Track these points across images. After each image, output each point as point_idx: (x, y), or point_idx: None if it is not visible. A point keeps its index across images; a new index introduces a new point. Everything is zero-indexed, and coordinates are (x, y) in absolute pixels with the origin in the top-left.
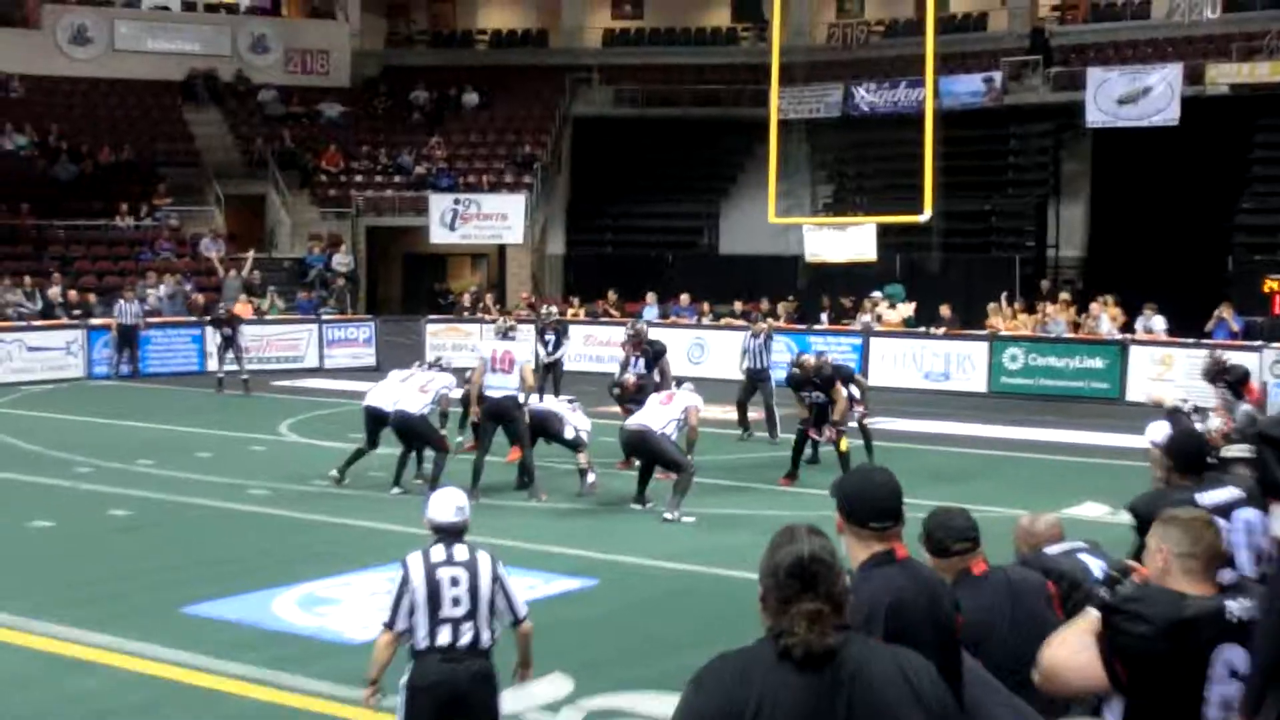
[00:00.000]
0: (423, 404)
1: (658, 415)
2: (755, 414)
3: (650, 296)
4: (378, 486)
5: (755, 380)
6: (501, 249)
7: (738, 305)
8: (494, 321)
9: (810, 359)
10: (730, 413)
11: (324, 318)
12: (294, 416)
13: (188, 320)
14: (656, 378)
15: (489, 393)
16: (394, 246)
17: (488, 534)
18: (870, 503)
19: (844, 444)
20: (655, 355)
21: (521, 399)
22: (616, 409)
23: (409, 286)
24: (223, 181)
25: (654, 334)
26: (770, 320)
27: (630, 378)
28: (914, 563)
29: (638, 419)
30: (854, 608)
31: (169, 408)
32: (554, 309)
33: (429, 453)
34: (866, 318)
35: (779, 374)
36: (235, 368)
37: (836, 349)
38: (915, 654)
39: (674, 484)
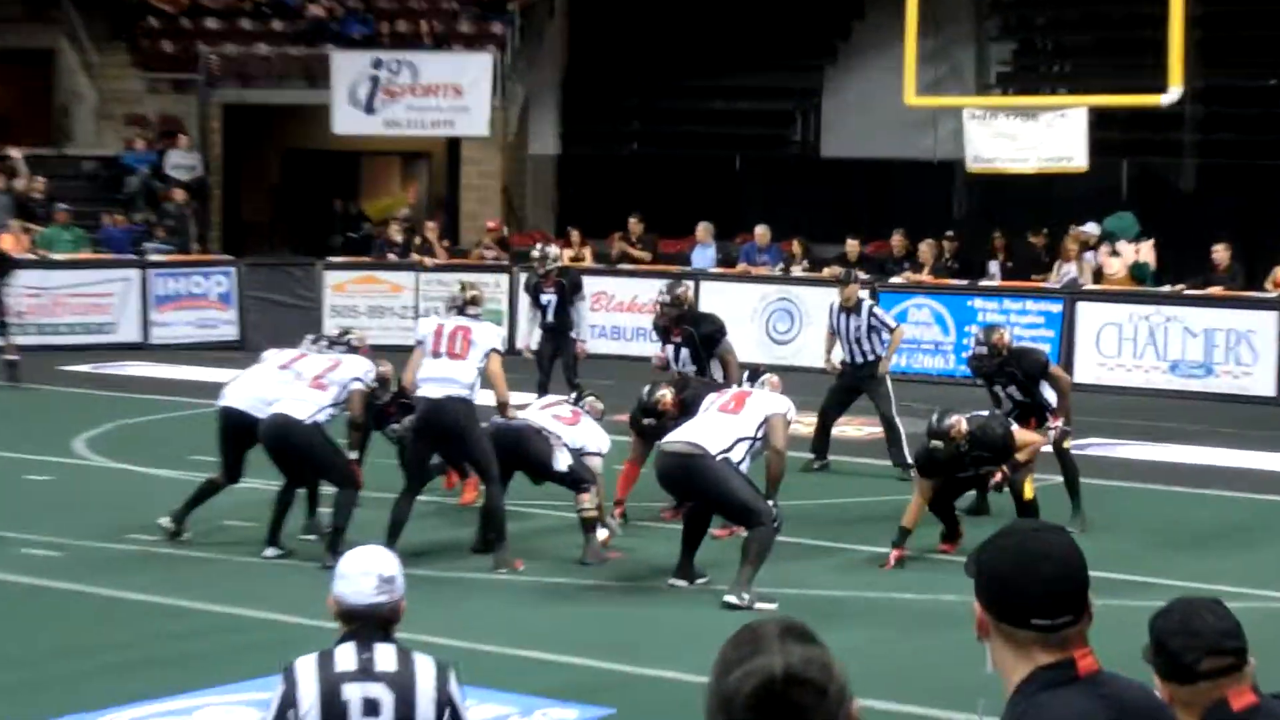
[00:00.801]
0: (318, 406)
1: (719, 429)
2: (852, 428)
3: (703, 229)
4: (243, 545)
5: (857, 380)
6: (453, 145)
7: (851, 245)
8: (432, 266)
9: (960, 423)
10: (841, 427)
11: (152, 258)
12: (99, 425)
13: None
14: (716, 375)
15: (424, 389)
16: (271, 140)
17: (427, 630)
18: (1030, 586)
19: (1029, 488)
20: (706, 340)
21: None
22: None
23: (295, 207)
24: None
25: (707, 296)
26: (908, 275)
27: (667, 395)
28: (1111, 679)
29: (685, 434)
30: None
31: None
32: (554, 249)
33: (328, 489)
34: (1070, 269)
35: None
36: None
37: (1019, 321)
38: None
39: (743, 545)
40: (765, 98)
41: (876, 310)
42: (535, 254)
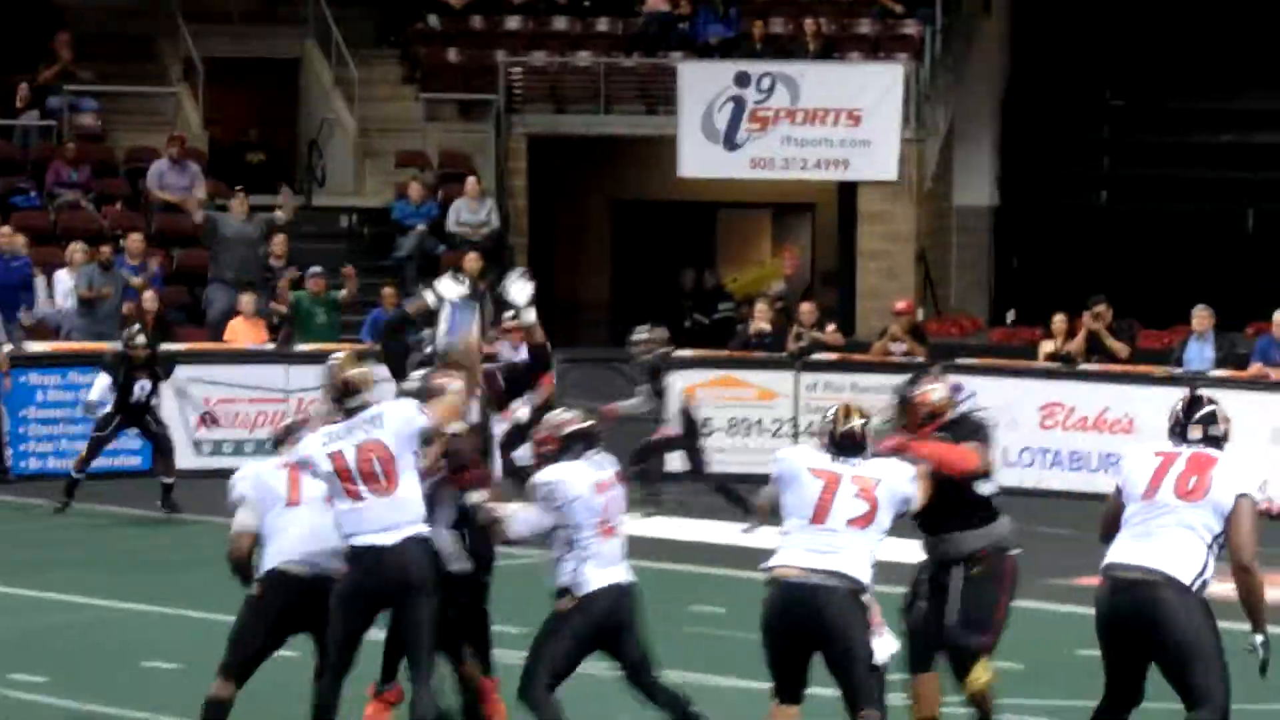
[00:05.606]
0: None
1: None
2: None
3: (1200, 315)
4: None
5: None
6: (846, 194)
7: None
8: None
9: (929, 394)
10: None
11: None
12: None
13: None
14: None
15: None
16: (593, 186)
17: None
18: None
19: (982, 675)
20: None
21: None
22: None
23: (626, 279)
24: None
25: None
26: None
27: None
28: None
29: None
30: None
31: None
32: (645, 332)
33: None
34: None
35: None
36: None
37: None
38: None
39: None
40: None
41: None
42: (638, 335)
